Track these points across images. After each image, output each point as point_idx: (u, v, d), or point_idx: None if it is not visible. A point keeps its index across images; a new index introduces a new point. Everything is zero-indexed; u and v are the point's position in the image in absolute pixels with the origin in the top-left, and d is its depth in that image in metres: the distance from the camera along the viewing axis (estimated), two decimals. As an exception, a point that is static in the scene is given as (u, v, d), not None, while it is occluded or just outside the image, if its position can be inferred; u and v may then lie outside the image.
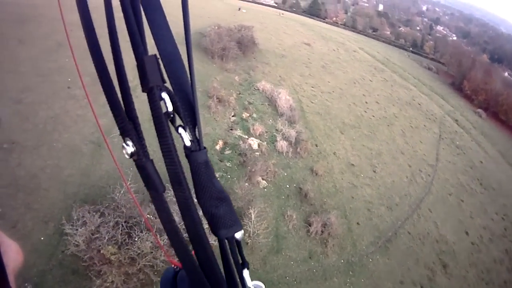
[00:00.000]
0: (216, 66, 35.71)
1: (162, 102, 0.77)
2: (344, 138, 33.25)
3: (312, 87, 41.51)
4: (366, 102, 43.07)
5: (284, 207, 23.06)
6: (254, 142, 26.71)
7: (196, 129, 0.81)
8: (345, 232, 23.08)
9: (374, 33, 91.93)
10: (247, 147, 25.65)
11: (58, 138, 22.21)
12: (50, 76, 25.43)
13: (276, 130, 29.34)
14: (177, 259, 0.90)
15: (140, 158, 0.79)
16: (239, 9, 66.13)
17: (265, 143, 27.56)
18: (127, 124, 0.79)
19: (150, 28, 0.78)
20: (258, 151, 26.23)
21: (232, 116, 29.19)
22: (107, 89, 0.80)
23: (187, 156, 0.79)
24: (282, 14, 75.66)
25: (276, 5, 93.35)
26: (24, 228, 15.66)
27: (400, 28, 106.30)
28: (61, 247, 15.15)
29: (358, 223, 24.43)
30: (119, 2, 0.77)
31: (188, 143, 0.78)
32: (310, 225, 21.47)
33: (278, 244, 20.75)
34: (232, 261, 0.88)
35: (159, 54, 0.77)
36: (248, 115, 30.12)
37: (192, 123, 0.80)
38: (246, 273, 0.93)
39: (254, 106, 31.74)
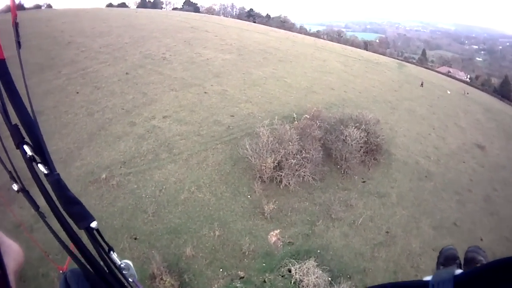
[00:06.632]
0: (250, 200, 20.46)
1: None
2: None
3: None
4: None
5: None
6: None
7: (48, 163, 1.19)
8: None
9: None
10: None
11: None
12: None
13: None
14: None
15: (22, 190, 1.22)
16: (422, 84, 49.97)
17: None
18: (12, 171, 1.23)
19: (11, 103, 1.15)
20: None
21: None
22: None
23: (47, 180, 1.15)
24: (467, 93, 58.85)
25: (469, 80, 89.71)
26: None
27: None
28: None
29: None
30: None
31: (46, 172, 1.16)
32: None
33: None
34: (99, 247, 1.25)
35: (20, 121, 1.16)
36: None
37: (44, 160, 1.17)
38: (114, 255, 1.31)
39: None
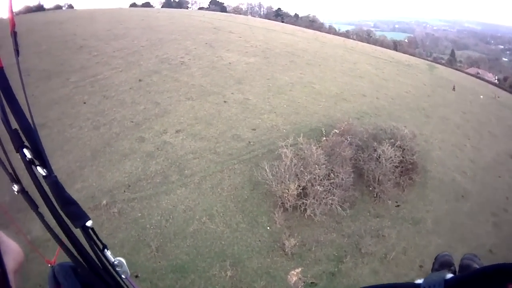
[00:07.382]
0: (269, 232, 18.17)
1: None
2: None
3: None
4: None
5: None
6: None
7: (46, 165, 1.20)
8: None
9: None
10: None
11: None
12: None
13: None
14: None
15: (21, 191, 1.20)
16: (454, 88, 47.40)
17: None
18: (13, 174, 1.19)
19: (10, 109, 1.13)
20: None
21: None
22: None
23: (45, 181, 1.17)
24: (498, 97, 55.86)
25: (497, 82, 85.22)
26: None
27: None
28: None
29: None
30: None
31: (43, 174, 1.16)
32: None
33: None
34: (94, 245, 1.26)
35: (19, 126, 1.15)
36: None
37: (43, 162, 1.18)
38: (108, 252, 1.30)
39: None
